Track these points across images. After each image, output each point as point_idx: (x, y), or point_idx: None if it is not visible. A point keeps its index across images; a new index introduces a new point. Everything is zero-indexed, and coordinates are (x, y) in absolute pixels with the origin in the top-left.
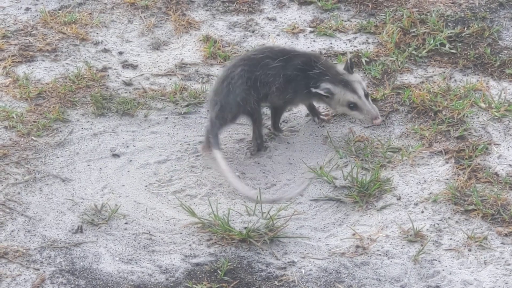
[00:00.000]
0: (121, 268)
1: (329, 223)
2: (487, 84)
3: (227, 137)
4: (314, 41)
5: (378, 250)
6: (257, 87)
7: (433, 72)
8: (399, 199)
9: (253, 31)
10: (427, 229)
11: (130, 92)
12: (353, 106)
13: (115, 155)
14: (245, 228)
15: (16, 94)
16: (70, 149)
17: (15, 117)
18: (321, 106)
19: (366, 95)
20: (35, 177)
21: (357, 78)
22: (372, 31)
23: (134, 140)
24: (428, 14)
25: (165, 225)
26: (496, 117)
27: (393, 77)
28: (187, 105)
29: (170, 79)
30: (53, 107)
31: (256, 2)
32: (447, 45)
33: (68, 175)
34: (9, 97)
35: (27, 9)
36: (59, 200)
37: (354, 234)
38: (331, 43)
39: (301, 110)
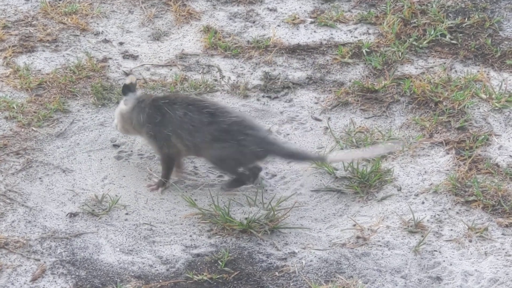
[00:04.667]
0: (121, 258)
1: (330, 214)
2: (487, 75)
3: None
4: (314, 31)
5: (379, 241)
6: None
7: (434, 63)
8: (399, 190)
9: (253, 22)
10: (428, 220)
11: None
12: None
13: (116, 146)
14: (246, 218)
15: (16, 84)
16: (71, 139)
17: (15, 108)
18: None
19: None
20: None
21: None
22: (372, 21)
23: None
24: (428, 4)
25: (166, 216)
26: (497, 108)
27: (394, 68)
28: None
29: (171, 69)
30: (54, 97)
31: None
32: (448, 36)
33: (68, 166)
34: (10, 87)
35: None
36: (60, 190)
37: (354, 225)
38: (331, 34)
39: (302, 101)
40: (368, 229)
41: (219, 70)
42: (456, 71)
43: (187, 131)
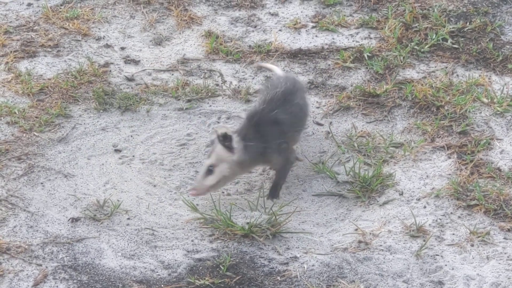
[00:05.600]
0: (123, 263)
1: (332, 218)
2: (489, 79)
3: None
4: (316, 36)
5: (381, 245)
6: None
7: (436, 67)
8: (401, 194)
9: (255, 27)
10: (430, 224)
11: (132, 88)
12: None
13: (117, 151)
14: (248, 223)
15: (18, 89)
16: (72, 144)
17: (17, 113)
18: None
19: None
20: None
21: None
22: (374, 26)
23: (136, 136)
24: (430, 9)
25: (167, 221)
26: (499, 112)
27: (396, 72)
28: (189, 101)
29: (172, 74)
30: (55, 102)
31: None
32: (449, 40)
33: (70, 171)
34: (11, 92)
35: (29, 4)
36: (61, 195)
37: (356, 229)
38: (333, 38)
39: None
40: (370, 233)
41: (221, 75)
42: (457, 75)
43: None
